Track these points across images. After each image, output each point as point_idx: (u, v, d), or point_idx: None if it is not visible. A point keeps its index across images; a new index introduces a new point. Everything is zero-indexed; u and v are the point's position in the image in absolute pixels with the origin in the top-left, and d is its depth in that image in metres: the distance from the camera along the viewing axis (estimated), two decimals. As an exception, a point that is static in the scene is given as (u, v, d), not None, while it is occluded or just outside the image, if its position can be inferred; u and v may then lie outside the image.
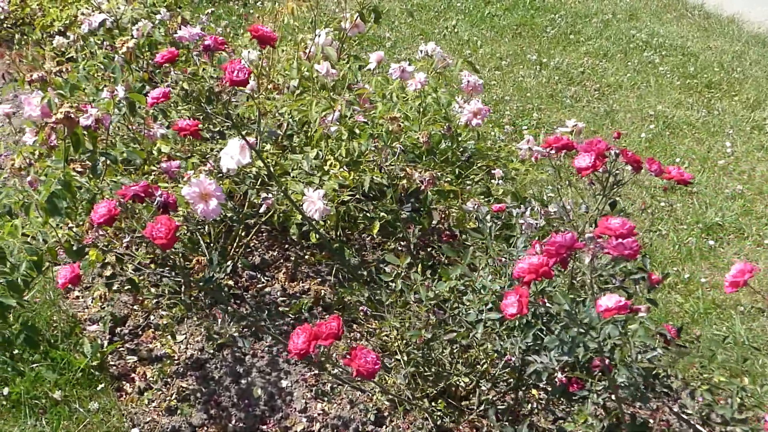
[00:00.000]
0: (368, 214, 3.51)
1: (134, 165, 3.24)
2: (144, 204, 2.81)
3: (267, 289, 3.95)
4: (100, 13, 4.81)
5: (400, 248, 3.80)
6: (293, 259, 4.13)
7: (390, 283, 2.92)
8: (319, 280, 3.98)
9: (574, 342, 2.27)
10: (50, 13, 6.03)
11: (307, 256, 4.14)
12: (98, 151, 2.91)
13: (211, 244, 3.64)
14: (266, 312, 3.78)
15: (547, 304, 2.27)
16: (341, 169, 3.54)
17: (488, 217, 3.08)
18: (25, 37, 6.11)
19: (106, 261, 3.23)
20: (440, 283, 2.86)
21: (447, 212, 3.87)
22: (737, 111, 5.83)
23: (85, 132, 2.91)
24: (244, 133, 3.01)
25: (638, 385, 2.34)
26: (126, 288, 3.31)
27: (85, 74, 3.56)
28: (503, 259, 2.78)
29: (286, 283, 4.00)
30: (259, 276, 4.04)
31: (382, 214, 3.55)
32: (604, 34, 7.07)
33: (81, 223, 3.04)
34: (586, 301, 2.29)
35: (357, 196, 3.45)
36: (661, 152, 5.24)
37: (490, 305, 2.79)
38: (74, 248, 2.95)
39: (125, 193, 2.71)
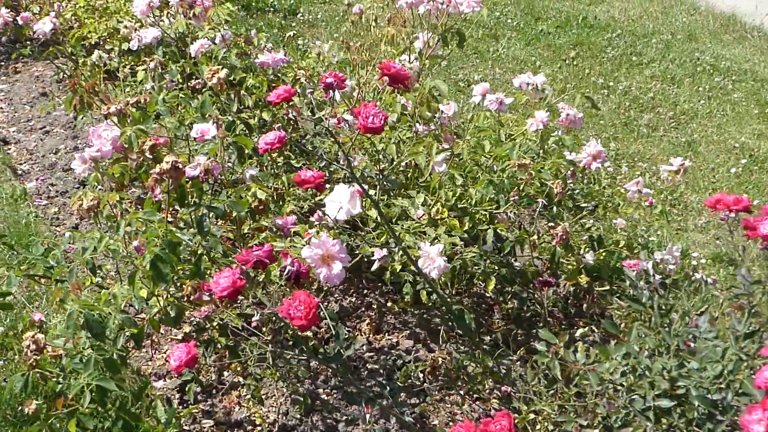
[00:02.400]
0: (484, 269, 3.13)
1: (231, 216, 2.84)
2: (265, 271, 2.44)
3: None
4: (152, 27, 4.43)
5: (516, 309, 3.41)
6: (375, 307, 3.73)
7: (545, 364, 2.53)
8: (407, 332, 3.59)
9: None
10: (86, 25, 5.62)
11: (389, 304, 3.74)
12: (204, 204, 2.51)
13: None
14: (354, 371, 3.39)
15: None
16: (450, 217, 3.17)
17: (642, 282, 2.69)
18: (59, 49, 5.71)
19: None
20: (600, 365, 2.48)
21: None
22: (825, 144, 5.49)
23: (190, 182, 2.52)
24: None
25: None
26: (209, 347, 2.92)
27: (167, 107, 3.16)
28: (691, 344, 2.39)
29: (371, 335, 3.60)
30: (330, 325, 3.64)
31: (496, 267, 3.17)
32: (668, 57, 6.71)
33: (179, 285, 2.65)
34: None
35: (475, 250, 3.07)
36: (753, 189, 4.87)
37: (659, 391, 2.41)
38: (173, 315, 2.56)
39: (247, 259, 2.33)
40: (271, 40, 5.77)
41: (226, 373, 3.38)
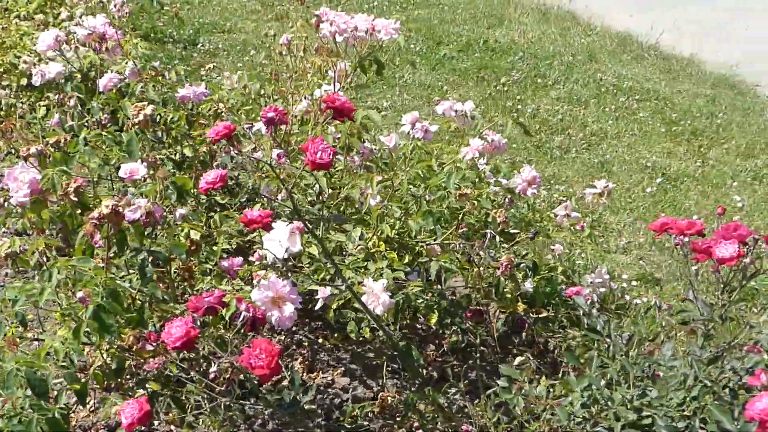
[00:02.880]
0: (427, 303, 3.05)
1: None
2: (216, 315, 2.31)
3: (284, 383, 3.42)
4: (52, 62, 4.25)
5: (462, 342, 3.34)
6: (306, 344, 3.62)
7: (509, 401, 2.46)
8: (342, 369, 3.49)
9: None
10: (-22, 62, 5.37)
11: (321, 340, 3.63)
12: (146, 249, 2.37)
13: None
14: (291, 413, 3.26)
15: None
16: (387, 250, 3.09)
17: (594, 311, 2.65)
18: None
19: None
20: (564, 399, 2.42)
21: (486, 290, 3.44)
22: (730, 160, 5.57)
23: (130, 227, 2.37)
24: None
25: None
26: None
27: (89, 147, 3.00)
28: (659, 374, 2.35)
29: (305, 374, 3.48)
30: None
31: (440, 301, 3.10)
32: (571, 78, 6.77)
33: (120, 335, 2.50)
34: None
35: (418, 283, 3.00)
36: (669, 208, 4.92)
37: (625, 422, 2.36)
38: (114, 367, 2.41)
39: (198, 306, 2.21)
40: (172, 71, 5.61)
41: (156, 423, 3.21)
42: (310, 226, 2.64)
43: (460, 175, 3.23)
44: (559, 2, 8.80)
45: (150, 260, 2.41)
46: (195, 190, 3.17)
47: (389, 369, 3.40)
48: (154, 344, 2.39)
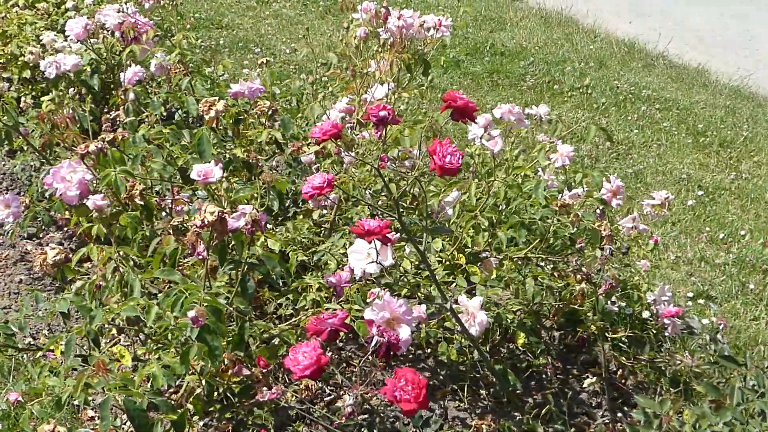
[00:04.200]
0: (519, 322, 2.82)
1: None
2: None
3: (338, 403, 3.16)
4: (61, 53, 4.02)
5: (549, 364, 3.11)
6: (356, 362, 3.36)
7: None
8: (401, 390, 3.22)
9: None
10: (-21, 51, 5.06)
11: (371, 357, 3.37)
12: (246, 261, 2.10)
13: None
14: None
15: None
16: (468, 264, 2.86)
17: (719, 336, 2.43)
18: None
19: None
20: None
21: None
22: (763, 174, 5.38)
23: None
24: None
25: None
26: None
27: (153, 146, 2.70)
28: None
29: (360, 394, 3.22)
30: (321, 385, 3.25)
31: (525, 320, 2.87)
32: (587, 85, 6.55)
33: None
34: None
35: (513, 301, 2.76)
36: (712, 222, 4.72)
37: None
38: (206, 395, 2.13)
39: (320, 329, 1.94)
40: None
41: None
42: (414, 238, 2.40)
43: (543, 185, 3.01)
44: (558, 7, 8.60)
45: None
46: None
47: (448, 391, 3.18)
48: (253, 369, 2.12)
